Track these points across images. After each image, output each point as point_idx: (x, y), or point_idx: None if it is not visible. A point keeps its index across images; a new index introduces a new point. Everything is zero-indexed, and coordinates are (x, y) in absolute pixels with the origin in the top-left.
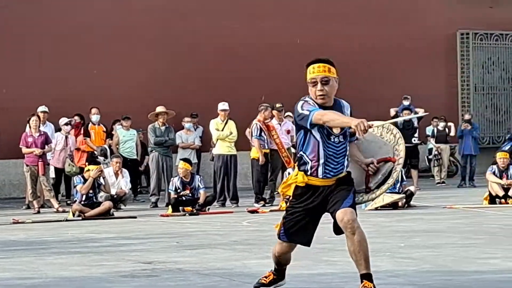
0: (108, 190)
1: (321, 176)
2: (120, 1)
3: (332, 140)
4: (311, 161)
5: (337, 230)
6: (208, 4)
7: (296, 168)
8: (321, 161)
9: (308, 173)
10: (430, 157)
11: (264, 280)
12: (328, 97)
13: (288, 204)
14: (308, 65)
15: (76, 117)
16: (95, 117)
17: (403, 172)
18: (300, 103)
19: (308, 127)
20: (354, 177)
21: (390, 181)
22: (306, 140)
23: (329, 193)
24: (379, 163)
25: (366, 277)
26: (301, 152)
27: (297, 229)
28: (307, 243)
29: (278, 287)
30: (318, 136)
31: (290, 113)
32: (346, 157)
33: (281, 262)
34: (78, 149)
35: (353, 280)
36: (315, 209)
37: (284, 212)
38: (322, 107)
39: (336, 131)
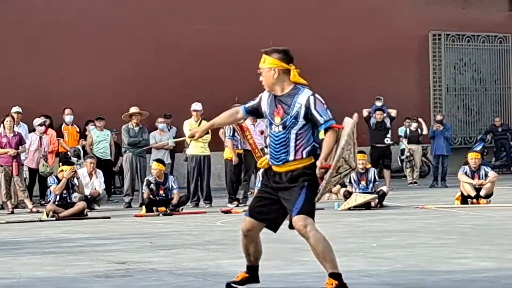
0: (81, 191)
1: (272, 161)
2: (91, 2)
3: (273, 129)
4: (267, 147)
5: (292, 226)
6: (181, 5)
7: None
8: (269, 147)
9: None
10: (403, 157)
11: (237, 278)
12: (268, 86)
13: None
14: None
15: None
16: (68, 118)
17: (375, 172)
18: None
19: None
20: None
21: (324, 183)
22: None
23: (283, 186)
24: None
25: (332, 275)
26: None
27: (258, 207)
28: (270, 226)
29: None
30: (267, 125)
31: None
32: (289, 148)
33: (249, 253)
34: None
35: (325, 280)
36: (272, 193)
37: None
38: (274, 95)
39: (277, 120)
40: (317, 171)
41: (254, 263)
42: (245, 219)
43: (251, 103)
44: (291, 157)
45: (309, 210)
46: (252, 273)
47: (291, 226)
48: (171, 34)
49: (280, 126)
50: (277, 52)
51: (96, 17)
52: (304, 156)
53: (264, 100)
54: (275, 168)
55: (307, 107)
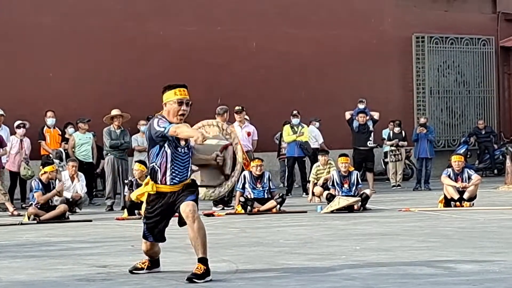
0: (61, 194)
1: (169, 183)
2: (74, 3)
3: (179, 151)
4: (160, 170)
5: (181, 222)
6: (164, 6)
7: (148, 177)
8: (169, 170)
9: (159, 181)
10: (386, 160)
11: (140, 264)
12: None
13: (145, 210)
14: (168, 88)
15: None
16: (50, 120)
17: (358, 175)
18: (156, 120)
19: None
20: (211, 175)
21: (240, 161)
22: (160, 152)
23: (176, 197)
24: (222, 152)
25: (201, 260)
26: (153, 164)
27: (159, 230)
28: (164, 240)
29: (153, 272)
30: (168, 148)
31: (247, 116)
32: (190, 166)
33: (152, 256)
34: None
35: (309, 283)
36: (167, 211)
37: (143, 217)
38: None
39: (182, 143)
40: (219, 158)
41: (155, 258)
42: (147, 244)
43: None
44: (190, 175)
45: (197, 203)
46: (154, 263)
47: (180, 223)
48: (155, 36)
49: (186, 148)
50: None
51: (79, 18)
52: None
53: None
54: (171, 189)
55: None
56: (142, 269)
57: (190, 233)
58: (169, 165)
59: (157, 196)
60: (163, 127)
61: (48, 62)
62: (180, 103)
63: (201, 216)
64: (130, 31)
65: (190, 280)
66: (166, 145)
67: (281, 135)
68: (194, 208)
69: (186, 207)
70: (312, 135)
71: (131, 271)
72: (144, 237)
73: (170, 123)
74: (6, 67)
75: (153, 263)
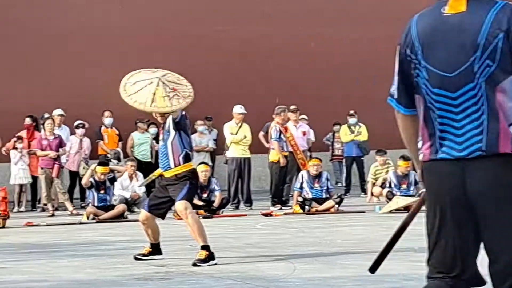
0: (121, 171)
1: (162, 170)
2: (130, 5)
3: (160, 143)
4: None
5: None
6: (226, 7)
7: None
8: (160, 160)
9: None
10: None
11: (144, 251)
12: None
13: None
14: None
15: (27, 119)
16: (107, 120)
17: (416, 175)
18: None
19: None
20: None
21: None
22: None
23: (167, 184)
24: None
25: (203, 247)
26: None
27: (155, 204)
28: (161, 216)
29: (155, 259)
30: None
31: (305, 116)
32: (168, 157)
33: (148, 232)
34: (34, 154)
35: (367, 283)
36: (162, 190)
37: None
38: None
39: (160, 137)
40: None
41: (155, 241)
42: (142, 212)
43: None
44: (178, 165)
45: (188, 198)
46: (155, 248)
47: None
48: (213, 37)
49: (162, 141)
50: None
51: (136, 20)
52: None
53: None
54: (164, 174)
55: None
56: (146, 255)
57: (188, 227)
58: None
59: (160, 177)
60: None
61: (107, 62)
62: None
63: (259, 215)
64: (189, 32)
65: (194, 264)
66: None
67: (333, 136)
68: (186, 205)
69: (178, 206)
70: None
71: (135, 257)
72: (143, 206)
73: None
74: (66, 68)
75: (154, 248)
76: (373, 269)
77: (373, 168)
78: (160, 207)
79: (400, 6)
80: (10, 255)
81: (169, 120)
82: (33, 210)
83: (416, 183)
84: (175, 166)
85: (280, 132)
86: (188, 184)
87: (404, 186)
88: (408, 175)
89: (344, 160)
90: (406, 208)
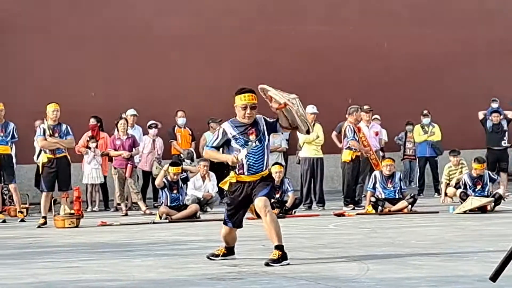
0: (194, 171)
1: (246, 174)
2: (206, 4)
3: (251, 145)
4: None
5: (258, 214)
6: (294, 6)
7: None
8: (245, 162)
9: (237, 172)
10: None
11: (217, 251)
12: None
13: (227, 198)
14: (236, 94)
15: (92, 119)
16: (181, 120)
17: (490, 174)
18: (219, 128)
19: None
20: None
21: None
22: (234, 149)
23: (253, 187)
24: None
25: (277, 247)
26: None
27: (238, 217)
28: (241, 226)
29: (228, 259)
30: (236, 145)
31: (377, 116)
32: (264, 160)
33: (229, 242)
34: (107, 154)
35: (440, 283)
36: (245, 201)
37: (226, 204)
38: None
39: (251, 137)
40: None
41: (231, 245)
42: (226, 228)
43: (216, 142)
44: (267, 166)
45: (270, 195)
46: (229, 250)
47: (258, 215)
48: (285, 36)
49: (257, 142)
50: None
51: (209, 19)
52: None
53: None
54: (249, 178)
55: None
56: (218, 255)
57: (264, 225)
58: (244, 158)
59: (238, 185)
60: (209, 141)
61: (179, 62)
62: (244, 107)
63: (331, 216)
64: (261, 32)
65: (267, 264)
66: (233, 144)
67: (405, 136)
68: (266, 203)
69: (259, 202)
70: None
71: (208, 257)
72: (224, 223)
73: (224, 134)
74: (139, 69)
75: (229, 250)
76: (494, 278)
77: (446, 169)
78: (241, 218)
79: (474, 7)
80: (83, 254)
81: (263, 123)
82: (106, 209)
83: (494, 180)
84: (266, 169)
85: (355, 131)
86: (271, 184)
87: (478, 187)
88: (483, 175)
89: (416, 160)
90: (480, 209)
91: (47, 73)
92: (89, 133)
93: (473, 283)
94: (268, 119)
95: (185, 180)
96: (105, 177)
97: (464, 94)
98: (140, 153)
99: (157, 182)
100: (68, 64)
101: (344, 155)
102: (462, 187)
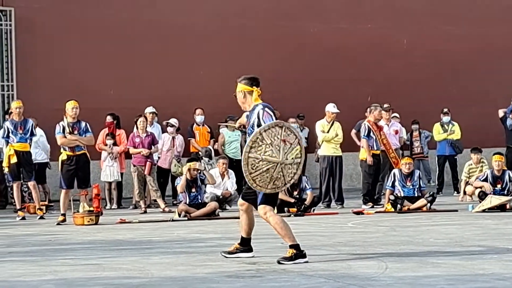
0: (212, 181)
1: None
2: (226, 2)
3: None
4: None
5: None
6: (316, 5)
7: None
8: None
9: None
10: None
11: (229, 250)
12: (241, 105)
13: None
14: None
15: (108, 117)
16: (199, 118)
17: (511, 174)
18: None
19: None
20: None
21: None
22: None
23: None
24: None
25: (291, 246)
26: None
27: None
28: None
29: (244, 257)
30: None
31: (397, 114)
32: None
33: (243, 219)
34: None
35: (459, 282)
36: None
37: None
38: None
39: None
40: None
41: (246, 235)
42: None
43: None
44: None
45: (268, 200)
46: (245, 243)
47: None
48: (305, 33)
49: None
50: (245, 79)
51: (230, 17)
52: None
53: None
54: None
55: (258, 118)
56: (230, 252)
57: (273, 229)
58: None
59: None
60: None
61: (198, 60)
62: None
63: (350, 214)
64: (281, 29)
65: (278, 262)
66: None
67: (411, 135)
68: (265, 210)
69: (259, 211)
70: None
71: (221, 254)
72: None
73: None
74: (158, 66)
75: (244, 243)
76: None
77: (467, 167)
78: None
79: (494, 3)
80: (102, 252)
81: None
82: (123, 207)
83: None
84: None
85: (369, 130)
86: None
87: (499, 186)
88: (503, 174)
89: (427, 159)
90: (499, 207)
91: (66, 70)
92: (106, 130)
93: (492, 282)
94: (265, 113)
95: (204, 180)
96: (122, 174)
97: (484, 92)
98: (160, 150)
99: (179, 190)
100: (87, 61)
101: (362, 154)
102: (482, 178)
